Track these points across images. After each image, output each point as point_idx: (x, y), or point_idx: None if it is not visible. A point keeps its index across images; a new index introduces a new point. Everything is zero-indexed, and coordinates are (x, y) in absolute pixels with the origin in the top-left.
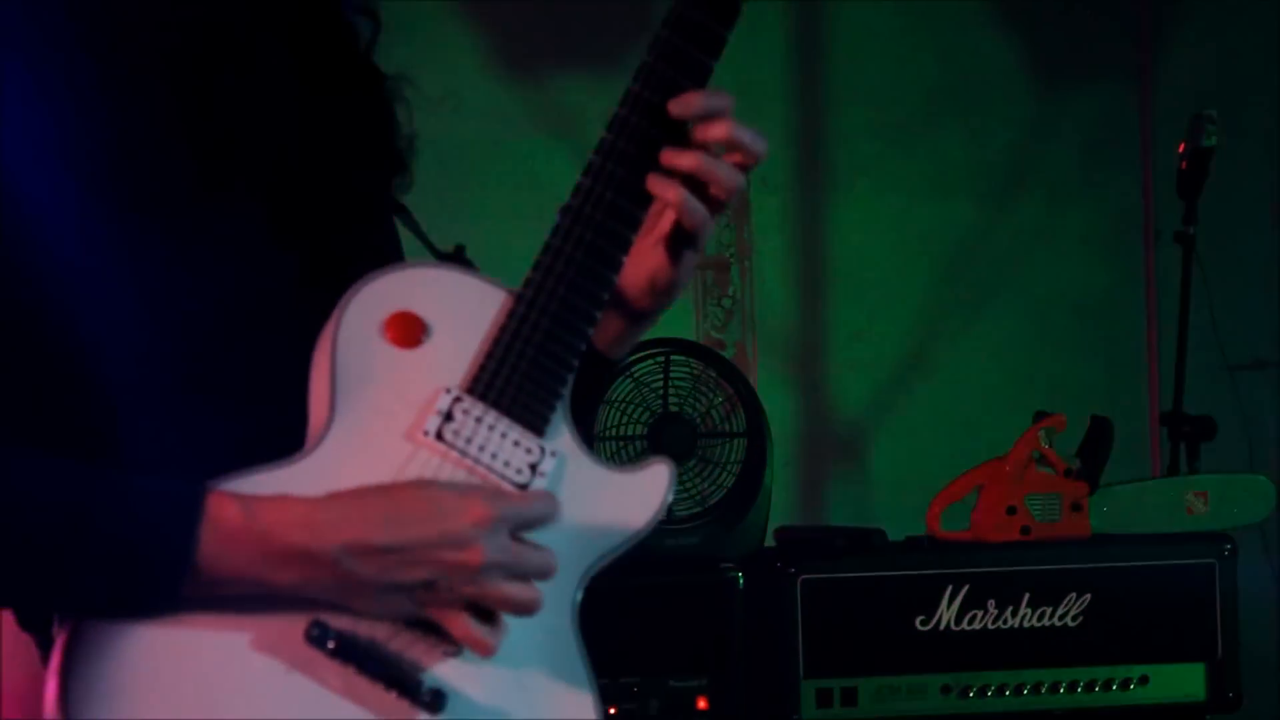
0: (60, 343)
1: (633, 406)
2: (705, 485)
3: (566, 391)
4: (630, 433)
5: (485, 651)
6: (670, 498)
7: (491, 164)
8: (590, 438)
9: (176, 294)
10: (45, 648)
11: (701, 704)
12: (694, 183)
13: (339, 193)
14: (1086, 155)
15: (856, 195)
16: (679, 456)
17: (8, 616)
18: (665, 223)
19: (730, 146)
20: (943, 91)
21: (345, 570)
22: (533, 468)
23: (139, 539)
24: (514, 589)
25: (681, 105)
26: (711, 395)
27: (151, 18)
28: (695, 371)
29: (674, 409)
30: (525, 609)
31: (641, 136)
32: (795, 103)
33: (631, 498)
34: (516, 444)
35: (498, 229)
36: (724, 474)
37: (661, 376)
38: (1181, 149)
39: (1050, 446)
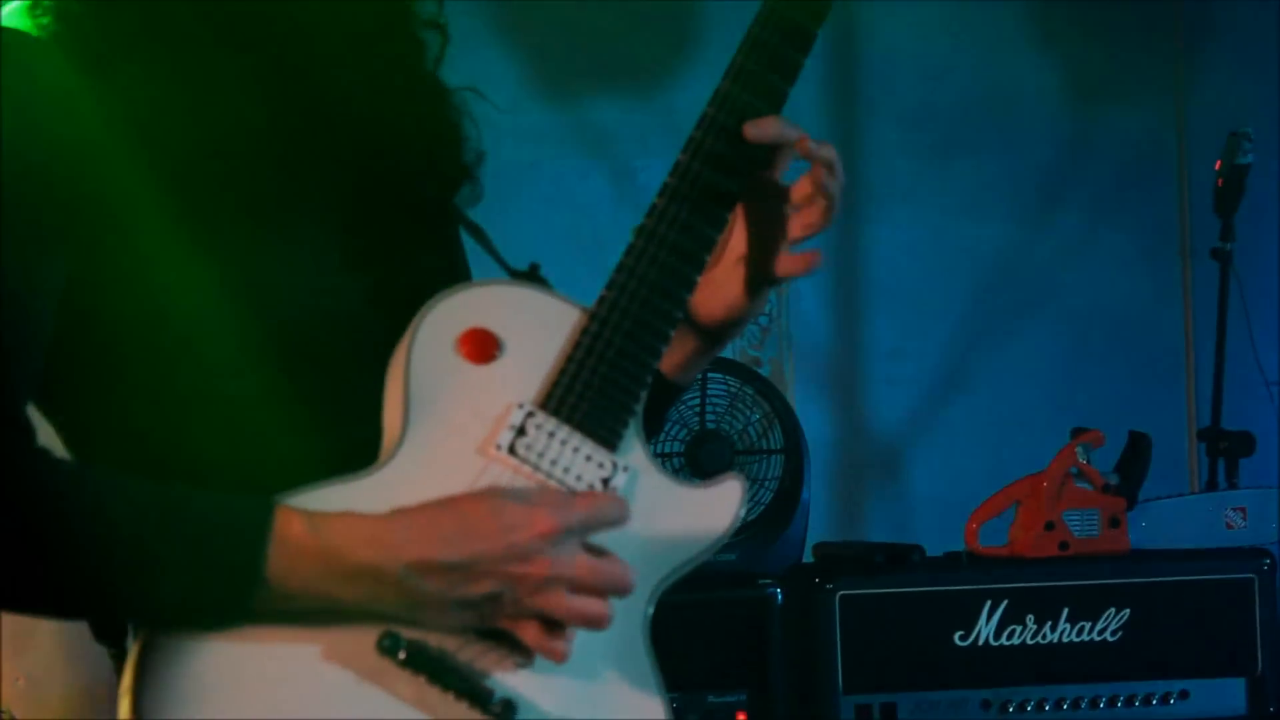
0: (135, 354)
1: (670, 424)
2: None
3: (639, 408)
4: (668, 450)
5: (556, 658)
6: (743, 512)
7: (527, 185)
8: None
9: (252, 308)
10: (119, 659)
11: (741, 719)
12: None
13: (411, 208)
14: (1122, 172)
15: (892, 213)
16: (716, 474)
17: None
18: (737, 247)
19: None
20: (979, 110)
21: (412, 587)
22: (605, 482)
23: (209, 555)
24: (580, 602)
25: (759, 129)
26: (749, 412)
27: (246, 26)
28: (732, 389)
29: (711, 426)
30: (593, 623)
31: (716, 160)
32: (831, 121)
33: (704, 512)
34: (589, 459)
35: (533, 250)
36: (762, 490)
37: (699, 394)
38: (1218, 166)
39: (1088, 462)
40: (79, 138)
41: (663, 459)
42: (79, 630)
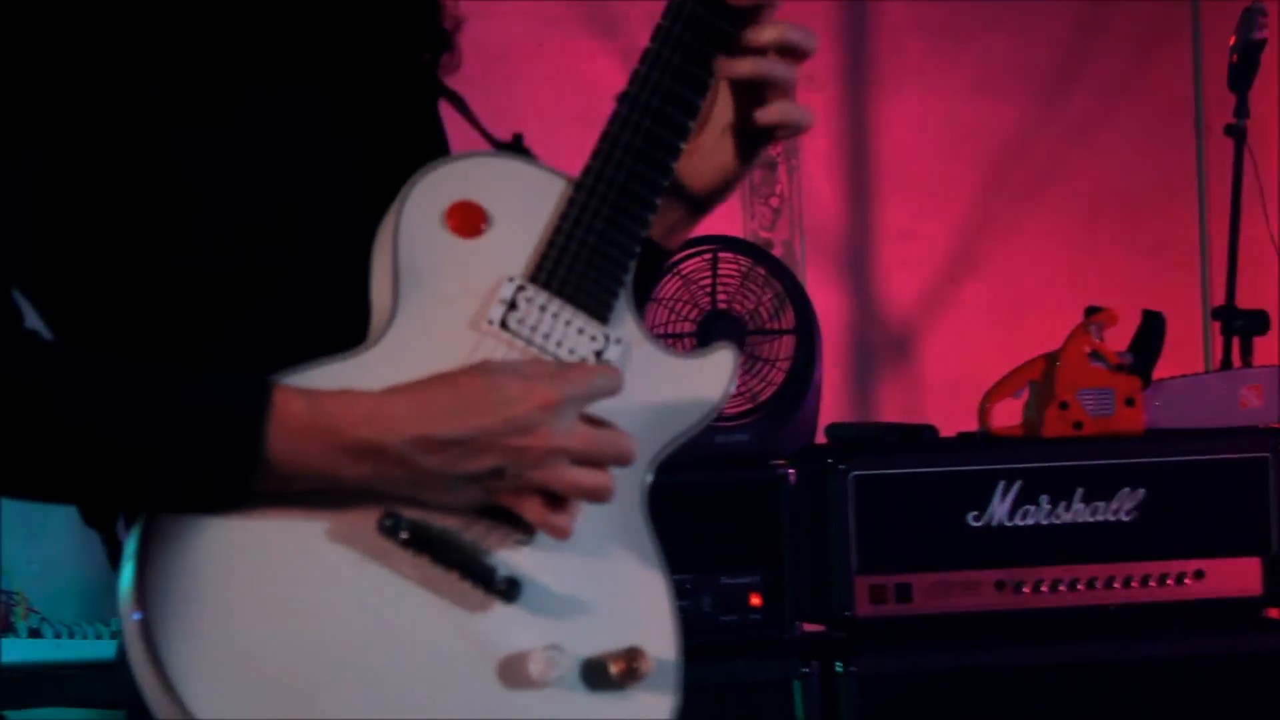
0: (120, 234)
1: (681, 303)
2: (755, 382)
3: (629, 279)
4: (679, 330)
5: (560, 534)
6: (735, 382)
7: (534, 66)
8: None
9: (240, 181)
10: (111, 545)
11: (754, 600)
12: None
13: (391, 75)
14: (1136, 48)
15: (904, 93)
16: None
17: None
18: (723, 114)
19: (781, 49)
20: None
21: (412, 464)
22: (597, 354)
23: (208, 435)
24: (582, 474)
25: None
26: (760, 292)
27: None
28: (743, 268)
29: (722, 306)
30: (596, 495)
31: (699, 24)
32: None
33: (697, 381)
34: (581, 331)
35: (541, 131)
36: (773, 370)
37: (710, 273)
38: (1232, 42)
39: (1102, 341)
40: (57, 13)
41: (673, 339)
42: None
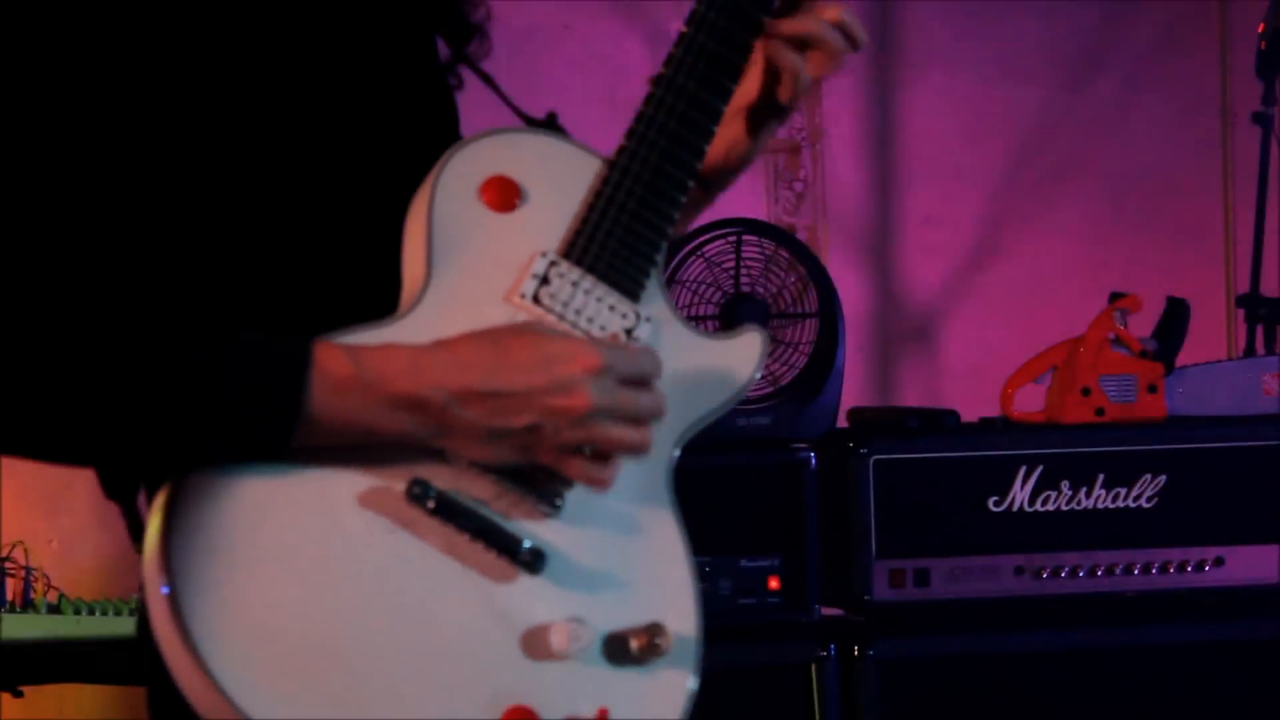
0: (151, 215)
1: (704, 286)
2: (777, 365)
3: (660, 258)
4: (702, 313)
5: (601, 485)
6: (763, 364)
7: (561, 47)
8: None
9: (272, 157)
10: (131, 518)
11: (773, 584)
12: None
13: (417, 57)
14: (1163, 34)
15: (929, 78)
16: None
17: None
18: (744, 96)
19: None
20: None
21: (453, 416)
22: (628, 332)
23: (251, 392)
24: (622, 430)
25: None
26: (784, 275)
27: None
28: (767, 252)
29: (745, 289)
30: (636, 448)
31: (732, 9)
32: None
33: (726, 362)
34: (612, 309)
35: (568, 113)
36: (796, 354)
37: (733, 256)
38: (1261, 29)
39: (1125, 328)
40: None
41: (697, 321)
42: None
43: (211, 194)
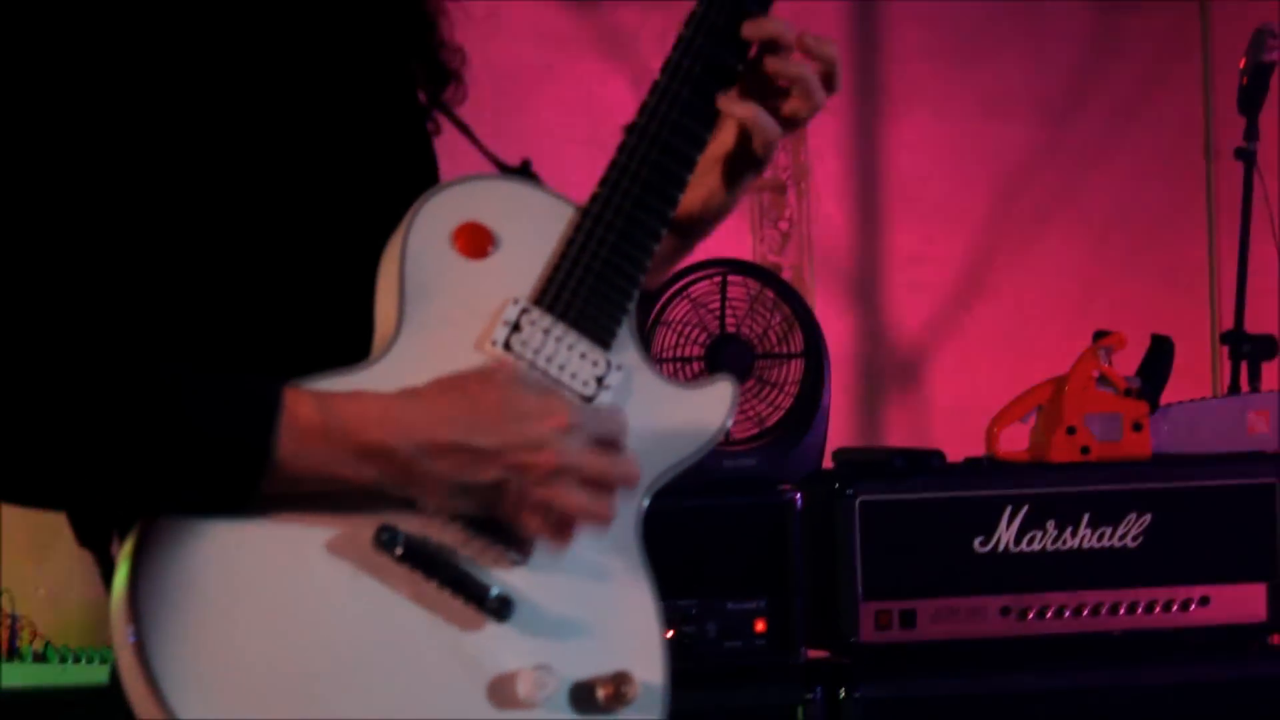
0: (131, 244)
1: (690, 327)
2: (763, 406)
3: (632, 306)
4: (688, 353)
5: (562, 544)
6: (733, 414)
7: (545, 87)
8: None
9: (241, 202)
10: (105, 565)
11: (760, 626)
12: (766, 101)
13: (391, 101)
14: (1146, 72)
15: (914, 117)
16: (736, 377)
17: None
18: (721, 146)
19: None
20: (1000, 10)
21: (421, 468)
22: (599, 380)
23: (218, 436)
24: (583, 496)
25: (755, 28)
26: (769, 315)
27: None
28: (752, 292)
29: (731, 330)
30: (596, 517)
31: (707, 58)
32: (852, 24)
33: (696, 412)
34: (583, 356)
35: (552, 152)
36: (781, 395)
37: (719, 296)
38: (1242, 64)
39: (1110, 366)
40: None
41: (682, 363)
42: None
43: (188, 229)
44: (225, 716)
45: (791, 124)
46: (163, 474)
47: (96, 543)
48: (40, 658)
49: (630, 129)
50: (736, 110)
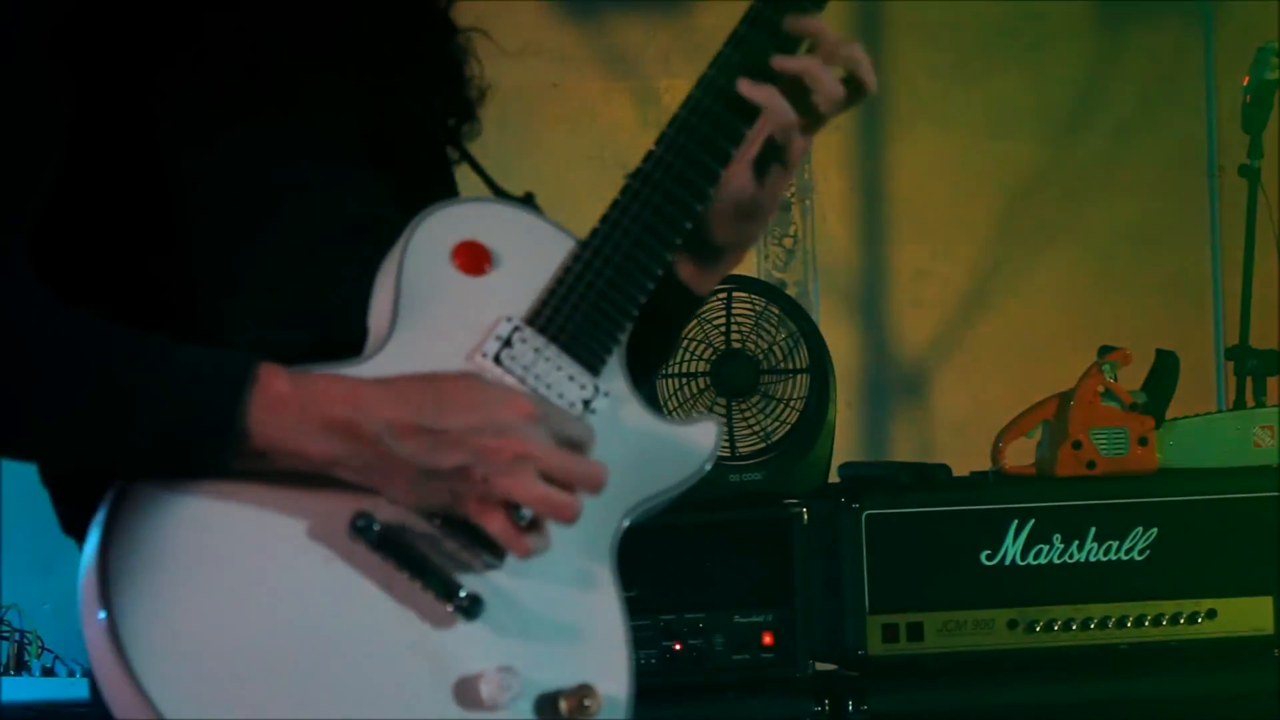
0: (147, 232)
1: (695, 343)
2: (769, 421)
3: (624, 339)
4: (693, 369)
5: (520, 550)
6: (715, 455)
7: (550, 105)
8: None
9: (271, 191)
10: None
11: (767, 639)
12: (791, 94)
13: (421, 128)
14: (1149, 90)
15: (917, 134)
16: (742, 393)
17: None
18: (753, 148)
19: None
20: (1003, 29)
21: (385, 449)
22: (585, 403)
23: (188, 397)
24: (547, 488)
25: (802, 23)
26: (774, 331)
27: None
28: (758, 308)
29: (736, 345)
30: (559, 512)
31: (717, 114)
32: (855, 39)
33: (680, 447)
34: (571, 379)
35: (556, 169)
36: (787, 410)
37: (724, 313)
38: (1246, 82)
39: (1116, 381)
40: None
41: (688, 377)
42: None
43: (207, 227)
44: (199, 702)
45: (814, 119)
46: (130, 436)
47: (79, 531)
48: (49, 672)
49: (635, 174)
50: (754, 94)
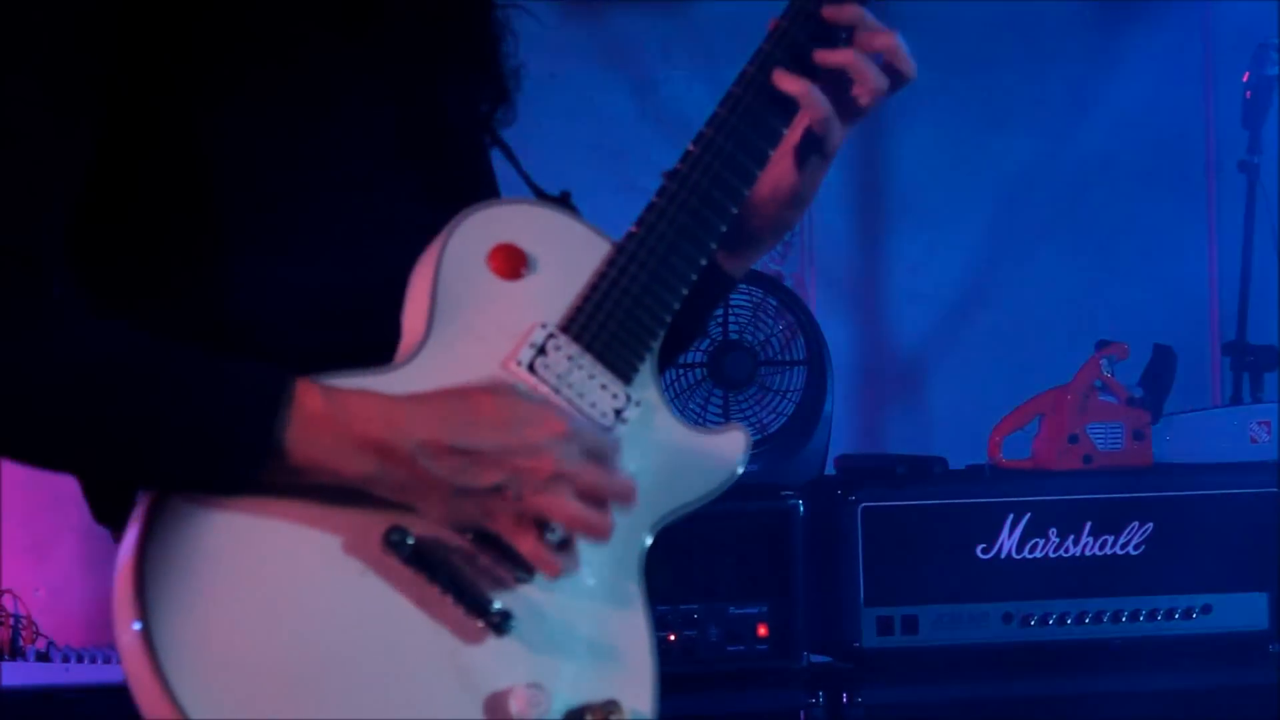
0: (176, 226)
1: None
2: (765, 413)
3: (657, 346)
4: (691, 359)
5: (550, 569)
6: (745, 463)
7: (548, 95)
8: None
9: (301, 182)
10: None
11: (762, 631)
12: (830, 87)
13: (458, 115)
14: (1148, 85)
15: (915, 127)
16: (739, 384)
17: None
18: (793, 136)
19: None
20: (1003, 23)
21: (420, 468)
22: (617, 413)
23: (224, 415)
24: (582, 507)
25: (839, 11)
26: (771, 323)
27: None
28: (755, 300)
29: (734, 337)
30: (593, 530)
31: (755, 114)
32: None
33: (710, 456)
34: (604, 387)
35: (554, 160)
36: (784, 402)
37: (722, 304)
38: (1245, 78)
39: (1113, 375)
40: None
41: (685, 368)
42: (99, 539)
43: (243, 222)
44: (225, 703)
45: (856, 111)
46: (165, 450)
47: (114, 519)
48: (43, 657)
49: (672, 174)
50: (790, 86)
